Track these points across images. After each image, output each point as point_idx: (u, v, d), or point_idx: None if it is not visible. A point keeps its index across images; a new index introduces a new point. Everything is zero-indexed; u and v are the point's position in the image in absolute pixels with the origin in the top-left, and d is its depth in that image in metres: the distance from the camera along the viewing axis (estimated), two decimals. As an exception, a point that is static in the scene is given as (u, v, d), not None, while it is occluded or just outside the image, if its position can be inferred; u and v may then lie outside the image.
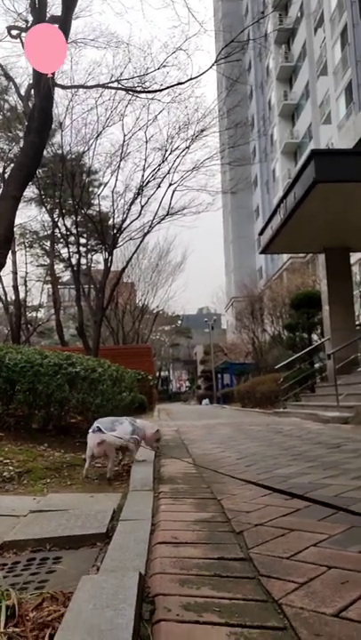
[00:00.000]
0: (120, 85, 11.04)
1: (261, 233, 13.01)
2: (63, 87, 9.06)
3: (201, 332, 46.18)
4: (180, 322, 54.81)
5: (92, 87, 10.73)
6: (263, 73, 49.56)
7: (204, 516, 2.28)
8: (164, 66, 11.48)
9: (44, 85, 6.29)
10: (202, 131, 15.62)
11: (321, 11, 34.46)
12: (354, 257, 22.22)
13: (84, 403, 4.25)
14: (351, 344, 10.65)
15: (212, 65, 10.41)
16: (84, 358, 4.82)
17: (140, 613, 1.22)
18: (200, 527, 2.07)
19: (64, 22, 6.96)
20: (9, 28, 10.33)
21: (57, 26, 6.87)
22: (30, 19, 7.87)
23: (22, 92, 10.16)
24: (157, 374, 48.84)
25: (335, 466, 3.69)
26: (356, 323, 13.17)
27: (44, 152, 17.57)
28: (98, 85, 10.60)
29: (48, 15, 7.35)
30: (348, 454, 4.30)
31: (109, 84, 10.71)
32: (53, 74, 6.73)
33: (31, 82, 7.87)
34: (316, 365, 14.38)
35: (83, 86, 10.75)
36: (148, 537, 1.94)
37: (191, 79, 11.28)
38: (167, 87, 11.47)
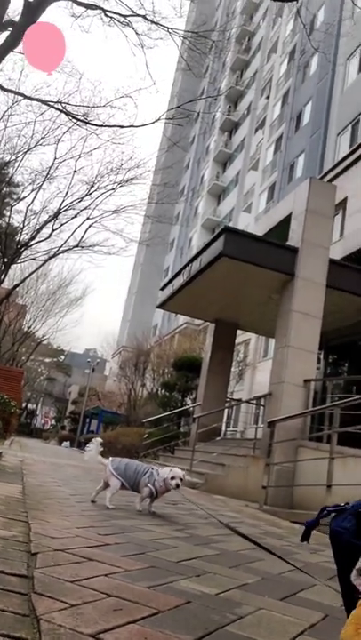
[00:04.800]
0: (63, 109, 11.11)
1: (163, 288, 13.32)
2: (2, 88, 8.90)
3: (82, 372, 44.85)
4: (63, 357, 53.03)
5: (33, 99, 10.63)
6: (203, 150, 53.09)
7: (5, 533, 2.10)
8: (112, 107, 11.85)
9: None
10: (131, 179, 16.05)
11: (264, 116, 38.31)
12: (243, 336, 23.54)
13: None
14: (217, 413, 10.99)
15: (155, 121, 10.95)
16: None
17: None
18: (-6, 543, 1.90)
19: (21, 30, 6.95)
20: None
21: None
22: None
23: None
24: (24, 405, 46.18)
25: (165, 518, 3.67)
26: (228, 397, 13.70)
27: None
28: (40, 100, 10.55)
29: (7, 18, 7.32)
30: (182, 511, 4.31)
31: (53, 103, 10.71)
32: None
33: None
34: (183, 429, 14.57)
35: (25, 95, 10.61)
36: None
37: (132, 126, 11.73)
38: (109, 125, 11.77)
